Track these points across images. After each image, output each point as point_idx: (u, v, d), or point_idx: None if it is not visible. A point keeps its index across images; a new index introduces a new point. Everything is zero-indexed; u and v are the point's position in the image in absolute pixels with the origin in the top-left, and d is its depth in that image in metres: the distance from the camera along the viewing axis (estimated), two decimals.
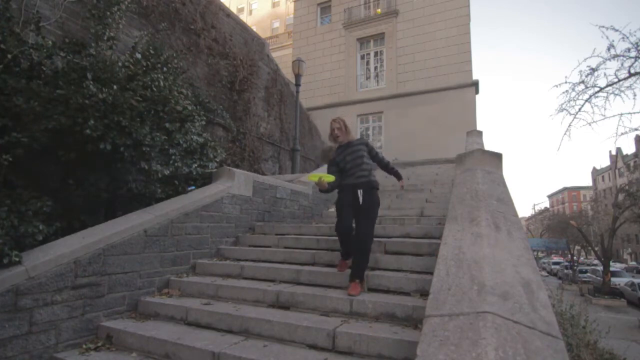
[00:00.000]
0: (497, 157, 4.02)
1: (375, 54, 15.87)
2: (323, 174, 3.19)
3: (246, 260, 4.06)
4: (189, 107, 4.36)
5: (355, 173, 3.28)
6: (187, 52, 6.87)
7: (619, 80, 5.99)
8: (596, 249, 20.28)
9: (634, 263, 36.78)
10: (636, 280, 17.80)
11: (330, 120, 3.53)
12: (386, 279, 3.06)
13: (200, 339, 2.59)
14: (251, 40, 9.35)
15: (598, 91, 6.23)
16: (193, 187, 4.59)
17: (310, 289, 3.12)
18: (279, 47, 23.74)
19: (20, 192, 3.13)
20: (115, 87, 3.60)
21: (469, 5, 14.32)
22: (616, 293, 17.59)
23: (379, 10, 15.85)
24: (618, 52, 5.88)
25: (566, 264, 28.00)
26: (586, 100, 6.33)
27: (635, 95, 5.95)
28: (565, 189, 63.45)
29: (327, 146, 4.01)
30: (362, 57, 16.13)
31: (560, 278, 26.62)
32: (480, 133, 8.31)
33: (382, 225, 4.39)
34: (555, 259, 38.44)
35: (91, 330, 2.90)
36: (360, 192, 3.19)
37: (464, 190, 3.26)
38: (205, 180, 4.73)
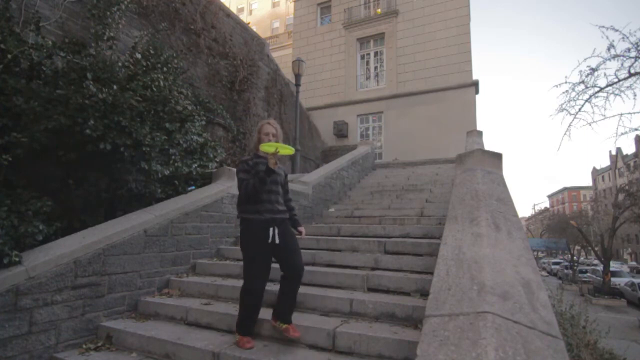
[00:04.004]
0: (497, 157, 4.02)
1: (375, 54, 15.85)
2: (279, 144, 2.50)
3: None
4: (189, 107, 4.36)
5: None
6: (187, 52, 6.87)
7: (619, 80, 5.98)
8: (596, 249, 20.29)
9: (633, 263, 36.77)
10: (636, 280, 17.80)
11: (265, 123, 2.72)
12: (386, 279, 3.06)
13: (201, 339, 2.59)
14: (251, 40, 9.34)
15: (598, 91, 6.22)
16: (193, 187, 4.59)
17: (310, 288, 3.12)
18: (279, 47, 23.74)
19: (20, 192, 3.13)
20: (115, 87, 3.60)
21: (469, 6, 14.31)
22: (616, 293, 17.60)
23: (379, 10, 15.83)
24: (618, 52, 5.88)
25: (566, 263, 28.01)
26: (586, 100, 6.32)
27: (635, 95, 5.95)
28: (565, 189, 63.48)
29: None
30: (362, 57, 16.11)
31: (560, 278, 26.63)
32: (480, 133, 8.30)
33: (382, 225, 4.39)
34: (554, 259, 38.39)
35: (91, 330, 2.90)
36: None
37: (464, 190, 3.25)
38: (205, 180, 4.72)
